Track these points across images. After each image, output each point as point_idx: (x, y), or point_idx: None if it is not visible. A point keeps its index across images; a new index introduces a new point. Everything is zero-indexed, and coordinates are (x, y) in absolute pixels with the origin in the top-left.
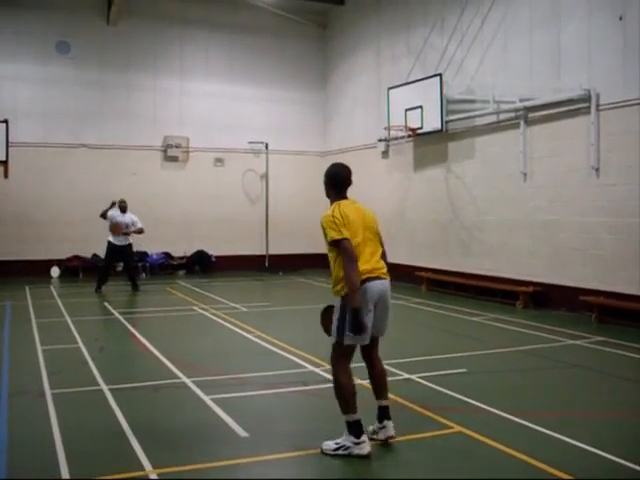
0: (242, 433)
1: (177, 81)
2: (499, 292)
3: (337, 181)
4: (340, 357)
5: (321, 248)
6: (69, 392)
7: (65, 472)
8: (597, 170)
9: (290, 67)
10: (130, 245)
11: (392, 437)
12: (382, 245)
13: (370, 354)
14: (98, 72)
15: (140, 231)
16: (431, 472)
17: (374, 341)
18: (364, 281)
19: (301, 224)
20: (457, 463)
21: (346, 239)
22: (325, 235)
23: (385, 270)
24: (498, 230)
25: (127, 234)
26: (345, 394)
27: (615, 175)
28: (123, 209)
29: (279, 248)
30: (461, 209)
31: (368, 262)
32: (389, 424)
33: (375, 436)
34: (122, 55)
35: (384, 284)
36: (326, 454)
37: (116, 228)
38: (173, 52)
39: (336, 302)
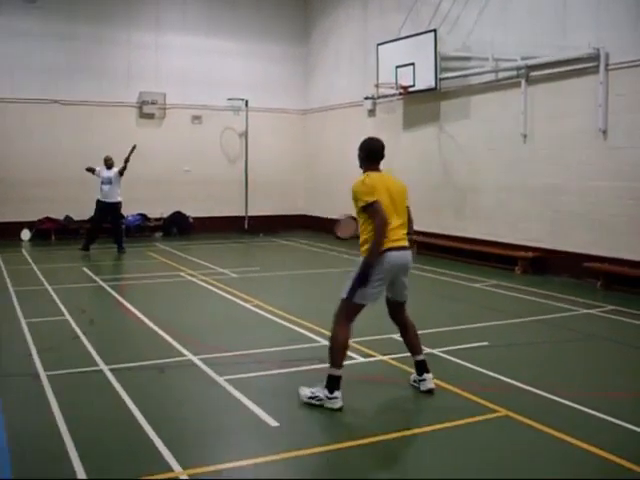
0: (272, 422)
1: (153, 34)
2: (494, 257)
3: (369, 154)
4: (345, 314)
5: (300, 209)
6: (66, 373)
7: (80, 470)
8: (604, 132)
9: (270, 19)
10: (119, 203)
11: (432, 390)
12: (410, 219)
13: (399, 316)
14: (68, 23)
15: (124, 166)
16: (478, 458)
17: (399, 306)
18: (386, 250)
19: (281, 184)
20: (507, 449)
21: (377, 201)
22: (356, 200)
23: (407, 241)
24: (495, 193)
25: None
26: (338, 348)
27: (623, 137)
28: (109, 166)
29: (259, 209)
30: (454, 170)
31: (393, 232)
32: (428, 377)
33: (415, 384)
34: (93, 5)
35: (405, 255)
36: (301, 400)
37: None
38: (149, 3)
39: (360, 261)
